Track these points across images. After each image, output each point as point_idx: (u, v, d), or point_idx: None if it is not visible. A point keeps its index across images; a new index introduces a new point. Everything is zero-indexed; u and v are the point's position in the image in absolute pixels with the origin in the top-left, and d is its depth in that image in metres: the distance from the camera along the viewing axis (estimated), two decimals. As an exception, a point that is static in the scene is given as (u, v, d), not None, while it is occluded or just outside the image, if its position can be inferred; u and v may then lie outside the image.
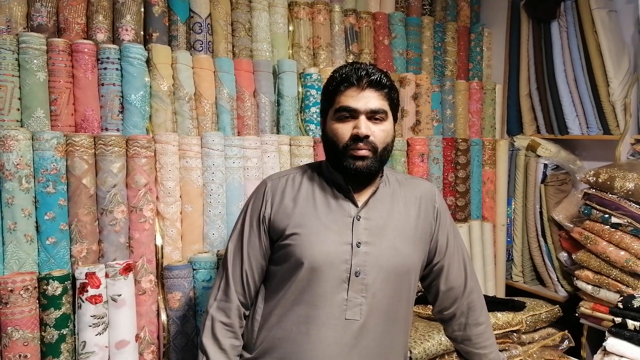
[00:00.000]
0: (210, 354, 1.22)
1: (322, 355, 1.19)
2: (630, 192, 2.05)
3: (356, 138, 1.18)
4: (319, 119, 2.27)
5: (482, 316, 1.38)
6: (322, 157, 2.20)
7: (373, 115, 1.20)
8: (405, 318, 1.30)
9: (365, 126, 1.18)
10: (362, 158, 1.19)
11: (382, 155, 1.22)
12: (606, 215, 2.14)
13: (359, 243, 1.21)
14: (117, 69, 1.82)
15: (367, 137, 1.18)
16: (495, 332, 1.96)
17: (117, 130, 1.82)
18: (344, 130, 1.20)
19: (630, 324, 1.79)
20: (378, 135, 1.20)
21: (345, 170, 1.21)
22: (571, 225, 2.36)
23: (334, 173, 1.26)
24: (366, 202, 1.25)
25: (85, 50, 1.77)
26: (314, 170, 1.33)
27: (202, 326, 1.27)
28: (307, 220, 1.23)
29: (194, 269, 1.83)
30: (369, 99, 1.19)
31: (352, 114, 1.19)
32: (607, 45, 2.34)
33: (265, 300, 1.29)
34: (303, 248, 1.20)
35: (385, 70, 1.27)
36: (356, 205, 1.24)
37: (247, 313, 1.30)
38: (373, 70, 1.20)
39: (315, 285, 1.19)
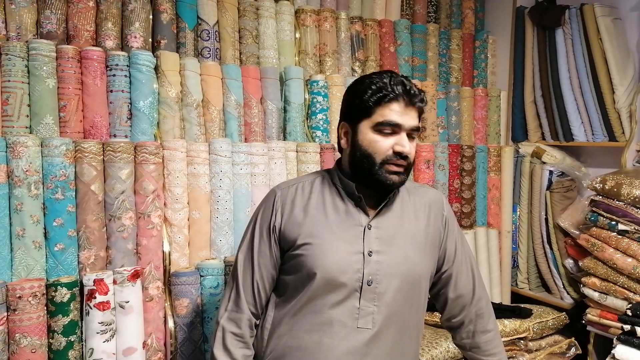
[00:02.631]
0: None
1: None
2: (637, 199, 2.05)
3: (398, 154, 1.19)
4: (325, 125, 2.28)
5: (490, 323, 1.38)
6: (329, 164, 2.21)
7: (411, 133, 1.20)
8: (416, 326, 1.29)
9: (408, 144, 1.19)
10: (397, 173, 1.20)
11: (409, 170, 1.24)
12: (613, 222, 2.14)
13: (371, 252, 1.21)
14: (125, 76, 1.82)
15: (407, 154, 1.20)
16: (503, 339, 1.95)
17: (126, 136, 1.82)
18: (385, 144, 1.18)
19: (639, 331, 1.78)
20: (412, 151, 1.21)
21: (377, 183, 1.20)
22: (577, 232, 2.36)
23: (345, 181, 1.26)
24: (377, 211, 1.25)
25: (95, 57, 1.77)
26: (323, 178, 1.32)
27: (213, 337, 1.26)
28: (318, 229, 1.22)
29: (201, 276, 1.83)
30: (411, 117, 1.19)
31: (395, 129, 1.18)
32: (612, 52, 2.35)
33: (275, 308, 1.28)
34: (315, 258, 1.19)
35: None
36: (367, 214, 1.24)
37: (257, 323, 1.29)
38: (416, 89, 1.20)
39: (328, 294, 1.19)
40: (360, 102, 1.20)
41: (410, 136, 1.20)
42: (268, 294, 1.29)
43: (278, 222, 1.26)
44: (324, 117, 2.27)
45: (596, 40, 2.40)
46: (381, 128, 1.18)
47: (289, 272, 1.25)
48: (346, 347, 1.19)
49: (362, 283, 1.19)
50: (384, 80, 1.18)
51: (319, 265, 1.19)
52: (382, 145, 1.18)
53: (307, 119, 2.27)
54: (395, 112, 1.17)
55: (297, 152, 2.15)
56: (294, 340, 1.22)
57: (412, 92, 1.18)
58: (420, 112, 1.22)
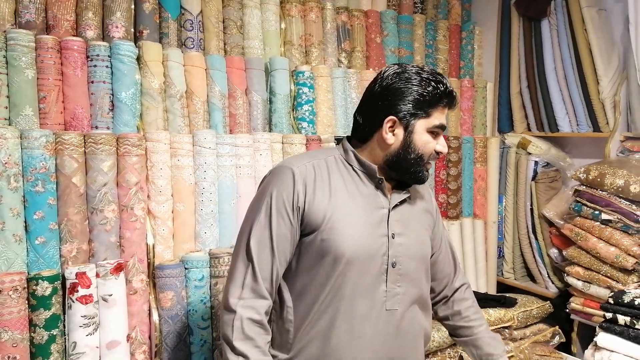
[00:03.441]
0: (250, 356, 1.13)
1: (367, 349, 1.20)
2: (620, 189, 2.07)
3: (438, 154, 1.26)
4: (311, 116, 2.27)
5: (468, 293, 1.47)
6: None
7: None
8: (425, 300, 1.34)
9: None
10: (428, 169, 1.27)
11: None
12: (596, 212, 2.16)
13: (394, 234, 1.23)
14: (107, 67, 1.79)
15: None
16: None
17: (108, 128, 1.80)
18: (432, 145, 1.24)
19: (621, 319, 1.81)
20: None
21: (414, 177, 1.25)
22: (562, 222, 2.38)
23: (366, 164, 1.24)
24: (396, 195, 1.28)
25: (75, 47, 1.74)
26: (335, 158, 1.27)
27: (230, 328, 1.14)
28: (344, 212, 1.19)
29: (186, 268, 1.82)
30: (445, 118, 1.27)
31: (441, 130, 1.25)
32: (597, 43, 2.36)
33: (295, 298, 1.21)
34: (343, 242, 1.17)
35: None
36: (387, 197, 1.26)
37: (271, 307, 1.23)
38: (455, 93, 1.26)
39: (355, 279, 1.18)
40: (420, 97, 1.20)
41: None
42: (281, 277, 1.22)
43: (302, 202, 1.18)
44: (310, 108, 2.26)
45: (581, 31, 2.40)
46: (434, 130, 1.23)
47: (309, 258, 1.19)
48: (377, 330, 1.21)
49: (387, 265, 1.22)
50: (440, 83, 1.21)
51: (348, 248, 1.17)
52: (431, 145, 1.24)
53: (293, 110, 2.26)
54: (443, 115, 1.24)
55: (283, 143, 2.14)
56: (323, 329, 1.19)
57: (454, 95, 1.25)
58: None
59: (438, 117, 1.22)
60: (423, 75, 1.21)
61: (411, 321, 1.27)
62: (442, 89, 1.21)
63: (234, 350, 1.13)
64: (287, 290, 1.23)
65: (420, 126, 1.21)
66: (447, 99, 1.22)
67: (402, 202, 1.28)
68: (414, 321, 1.29)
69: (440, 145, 1.24)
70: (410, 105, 1.20)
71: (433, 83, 1.20)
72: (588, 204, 2.20)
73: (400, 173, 1.25)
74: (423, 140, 1.22)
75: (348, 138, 1.32)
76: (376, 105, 1.23)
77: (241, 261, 1.19)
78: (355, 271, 1.18)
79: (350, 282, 1.18)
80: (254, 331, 1.15)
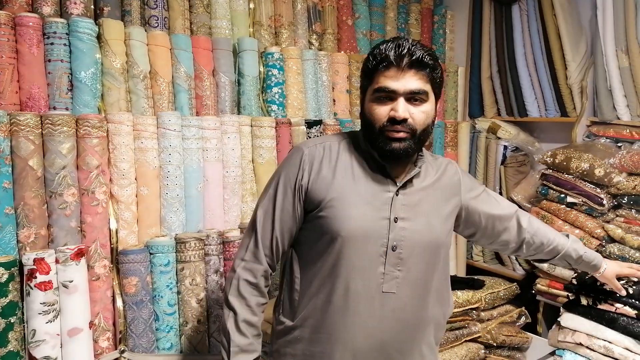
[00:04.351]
0: (237, 310, 1.23)
1: (361, 327, 1.21)
2: (585, 172, 2.10)
3: (393, 120, 1.15)
4: (281, 99, 2.23)
5: (533, 225, 1.48)
6: (285, 139, 2.17)
7: (413, 97, 1.16)
8: (438, 290, 1.30)
9: (403, 109, 1.14)
10: (399, 140, 1.16)
11: (421, 137, 1.20)
12: (562, 195, 2.19)
13: (397, 218, 1.21)
14: (65, 45, 1.72)
15: (405, 120, 1.15)
16: (455, 309, 1.99)
17: (67, 109, 1.73)
18: (381, 111, 1.16)
19: (584, 299, 1.84)
20: (417, 117, 1.17)
21: (380, 151, 1.19)
22: (529, 206, 2.41)
23: (371, 149, 1.23)
24: (404, 178, 1.24)
25: (30, 24, 1.66)
26: (351, 140, 1.28)
27: (228, 284, 1.27)
28: (346, 192, 1.20)
29: (151, 254, 1.78)
30: (408, 80, 1.14)
31: (391, 95, 1.15)
32: (566, 28, 2.38)
33: (302, 270, 1.27)
34: (341, 221, 1.18)
35: (429, 47, 1.22)
36: (394, 181, 1.23)
37: (272, 274, 1.30)
38: (415, 49, 1.14)
39: (353, 259, 1.19)
40: (363, 70, 1.22)
41: (413, 100, 1.16)
42: (286, 249, 1.29)
43: (305, 180, 1.23)
44: (280, 90, 2.22)
45: (550, 16, 2.42)
46: (377, 95, 1.17)
47: (313, 233, 1.24)
48: (372, 310, 1.21)
49: (387, 248, 1.20)
50: (385, 45, 1.16)
51: (344, 228, 1.18)
52: (378, 112, 1.17)
53: (262, 92, 2.22)
54: (389, 77, 1.15)
55: (251, 126, 2.10)
56: (321, 302, 1.22)
57: (410, 55, 1.13)
58: (428, 76, 1.17)
59: (381, 81, 1.15)
60: (376, 46, 1.19)
61: (413, 308, 1.24)
62: (384, 51, 1.15)
63: (227, 303, 1.25)
64: (297, 261, 1.29)
65: (368, 95, 1.21)
66: (387, 59, 1.14)
67: (414, 187, 1.25)
68: (417, 307, 1.25)
69: (393, 110, 1.15)
70: (362, 76, 1.23)
71: (379, 47, 1.17)
72: (554, 187, 2.23)
73: (375, 148, 1.21)
74: (369, 108, 1.19)
75: None
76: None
77: (249, 229, 1.30)
78: (351, 250, 1.19)
79: (346, 261, 1.19)
80: (247, 291, 1.24)
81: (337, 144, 1.27)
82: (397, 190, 1.22)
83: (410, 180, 1.25)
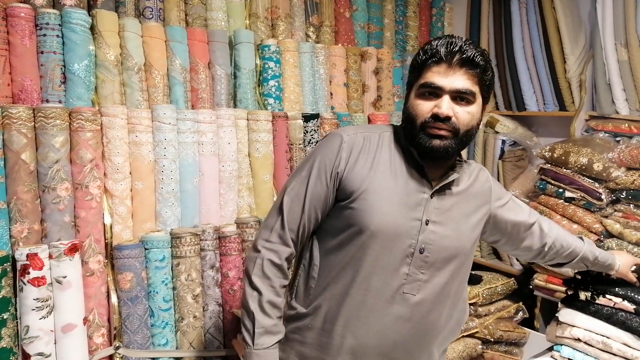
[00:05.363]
0: (262, 290, 1.20)
1: (375, 324, 1.19)
2: (583, 167, 2.09)
3: (436, 117, 1.12)
4: (277, 92, 2.20)
5: (553, 231, 1.46)
6: (281, 132, 2.15)
7: (459, 96, 1.12)
8: (456, 296, 1.28)
9: (447, 106, 1.11)
10: (440, 137, 1.13)
11: (464, 138, 1.16)
12: (560, 190, 2.18)
13: (428, 221, 1.19)
14: (57, 36, 1.69)
15: (448, 118, 1.11)
16: (453, 305, 1.98)
17: (60, 102, 1.70)
18: (425, 107, 1.13)
19: (582, 294, 1.83)
20: (462, 117, 1.13)
21: (419, 147, 1.15)
22: (527, 200, 2.40)
23: (410, 147, 1.20)
24: (440, 182, 1.21)
25: (22, 14, 1.63)
26: (391, 135, 1.25)
27: (252, 264, 1.22)
28: (380, 187, 1.17)
29: (146, 249, 1.76)
30: (457, 79, 1.11)
31: (436, 91, 1.12)
32: (565, 21, 2.36)
33: (322, 258, 1.24)
34: (372, 215, 1.15)
35: (482, 48, 1.18)
36: (430, 182, 1.20)
37: (294, 258, 1.28)
38: (467, 47, 1.11)
39: (378, 255, 1.17)
40: (412, 65, 1.19)
41: (459, 99, 1.12)
42: (310, 233, 1.26)
43: (342, 168, 1.19)
44: (277, 83, 2.20)
45: (549, 9, 2.40)
46: (422, 91, 1.14)
47: (339, 222, 1.21)
48: (389, 309, 1.19)
49: (414, 250, 1.18)
50: (437, 42, 1.13)
51: (375, 222, 1.15)
52: (421, 107, 1.13)
53: (258, 85, 2.19)
54: (437, 73, 1.12)
55: (248, 120, 2.08)
56: (339, 294, 1.20)
57: (461, 53, 1.10)
58: (477, 77, 1.13)
59: (428, 77, 1.13)
60: (427, 43, 1.17)
61: (430, 312, 1.22)
62: (435, 46, 1.12)
63: (251, 284, 1.21)
64: (317, 249, 1.25)
65: (413, 90, 1.18)
66: (436, 55, 1.11)
67: (448, 192, 1.22)
68: (435, 314, 1.23)
69: (437, 107, 1.11)
70: (411, 71, 1.19)
71: (431, 43, 1.15)
72: (552, 182, 2.22)
73: (414, 144, 1.18)
74: (412, 103, 1.16)
75: None
76: None
77: (275, 210, 1.25)
78: (378, 246, 1.17)
79: (371, 256, 1.17)
80: (272, 272, 1.21)
81: (377, 136, 1.23)
82: (432, 193, 1.20)
83: (446, 184, 1.22)
